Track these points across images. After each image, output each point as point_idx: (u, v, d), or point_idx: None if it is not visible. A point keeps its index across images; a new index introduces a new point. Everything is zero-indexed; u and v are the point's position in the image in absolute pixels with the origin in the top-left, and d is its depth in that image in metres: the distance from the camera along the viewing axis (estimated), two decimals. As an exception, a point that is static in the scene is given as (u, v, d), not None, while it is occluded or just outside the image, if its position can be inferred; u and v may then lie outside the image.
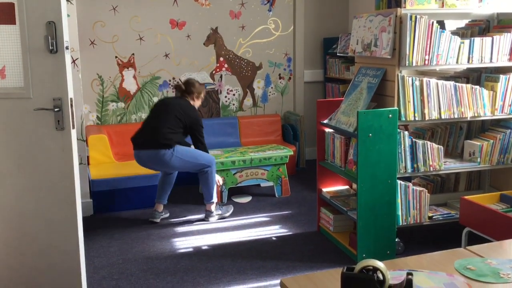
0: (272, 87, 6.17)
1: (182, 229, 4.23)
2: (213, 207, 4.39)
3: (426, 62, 3.40)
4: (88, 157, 4.76)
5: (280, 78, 6.18)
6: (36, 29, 2.58)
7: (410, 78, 3.43)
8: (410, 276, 1.50)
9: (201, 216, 4.47)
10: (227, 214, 4.43)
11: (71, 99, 2.67)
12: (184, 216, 4.50)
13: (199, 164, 4.22)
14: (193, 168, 4.27)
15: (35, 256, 2.81)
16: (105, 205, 4.61)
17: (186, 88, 4.34)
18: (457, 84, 3.54)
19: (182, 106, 4.22)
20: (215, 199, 4.39)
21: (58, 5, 2.57)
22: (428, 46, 3.37)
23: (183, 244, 3.93)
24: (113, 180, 4.58)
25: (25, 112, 2.66)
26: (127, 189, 4.63)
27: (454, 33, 3.58)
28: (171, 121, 4.12)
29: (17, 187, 2.74)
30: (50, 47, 2.59)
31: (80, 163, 4.21)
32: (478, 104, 3.58)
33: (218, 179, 4.50)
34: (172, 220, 4.43)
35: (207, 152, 4.33)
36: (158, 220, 4.36)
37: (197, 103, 4.40)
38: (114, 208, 4.64)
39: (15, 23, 2.59)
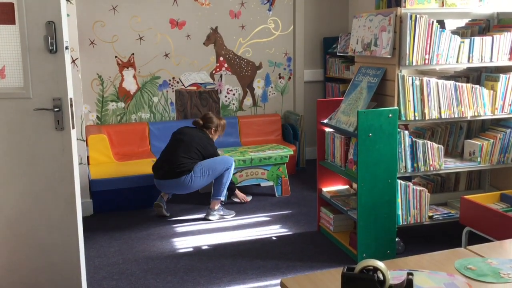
0: (272, 87, 6.16)
1: (182, 229, 4.23)
2: (217, 206, 4.41)
3: (426, 61, 3.40)
4: (88, 157, 4.75)
5: (280, 77, 6.17)
6: (35, 29, 2.57)
7: (410, 78, 3.42)
8: (410, 276, 1.50)
9: (201, 215, 4.47)
10: (228, 217, 4.43)
11: (71, 99, 2.67)
12: (184, 216, 4.50)
13: (220, 170, 4.36)
14: (215, 176, 4.38)
15: (35, 256, 2.81)
16: (105, 205, 4.60)
17: (204, 124, 4.55)
18: (457, 83, 3.53)
19: (202, 139, 4.42)
20: (222, 198, 4.43)
21: (57, 5, 2.56)
22: (428, 45, 3.37)
23: (183, 244, 3.93)
24: (113, 180, 4.58)
25: (25, 112, 2.66)
26: (127, 189, 4.62)
27: (454, 32, 3.58)
28: (191, 153, 4.31)
29: (17, 187, 2.74)
30: (50, 47, 2.58)
31: (80, 163, 4.21)
32: (478, 104, 3.57)
33: (243, 197, 4.75)
34: (172, 220, 4.43)
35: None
36: (162, 206, 4.43)
37: (215, 136, 4.61)
38: (114, 208, 4.64)
39: (14, 23, 2.59)
